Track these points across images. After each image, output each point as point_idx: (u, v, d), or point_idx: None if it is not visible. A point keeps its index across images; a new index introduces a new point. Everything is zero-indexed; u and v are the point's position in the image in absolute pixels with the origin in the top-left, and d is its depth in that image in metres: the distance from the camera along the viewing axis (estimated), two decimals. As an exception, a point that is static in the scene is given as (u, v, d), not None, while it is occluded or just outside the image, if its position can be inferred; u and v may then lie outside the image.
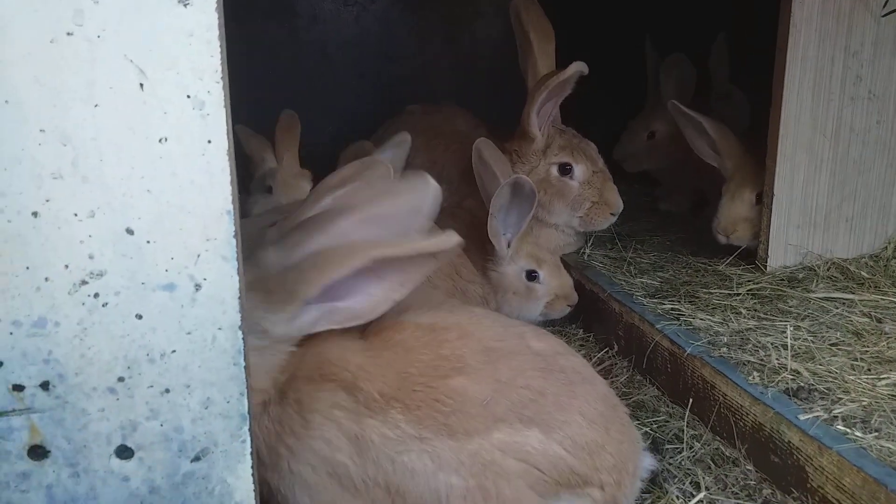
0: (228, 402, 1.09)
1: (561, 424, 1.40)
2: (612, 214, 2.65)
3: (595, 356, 2.30)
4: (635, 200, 3.47)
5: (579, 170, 2.61)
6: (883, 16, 2.30)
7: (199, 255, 1.02)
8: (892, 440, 1.47)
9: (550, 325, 2.60)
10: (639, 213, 3.30)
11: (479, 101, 3.66)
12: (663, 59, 3.13)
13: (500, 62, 4.01)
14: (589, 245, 2.79)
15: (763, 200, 2.43)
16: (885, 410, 1.56)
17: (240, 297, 1.05)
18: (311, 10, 3.71)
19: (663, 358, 2.01)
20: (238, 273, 1.04)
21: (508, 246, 2.34)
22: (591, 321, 2.47)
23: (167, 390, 1.07)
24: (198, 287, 1.03)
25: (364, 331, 1.49)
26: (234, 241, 1.02)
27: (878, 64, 2.34)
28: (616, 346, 2.28)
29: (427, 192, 1.47)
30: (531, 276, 2.38)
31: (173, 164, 0.98)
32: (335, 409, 1.39)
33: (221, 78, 0.96)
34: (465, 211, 2.54)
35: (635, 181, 3.67)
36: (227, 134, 0.99)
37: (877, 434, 1.49)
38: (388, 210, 1.46)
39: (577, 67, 2.39)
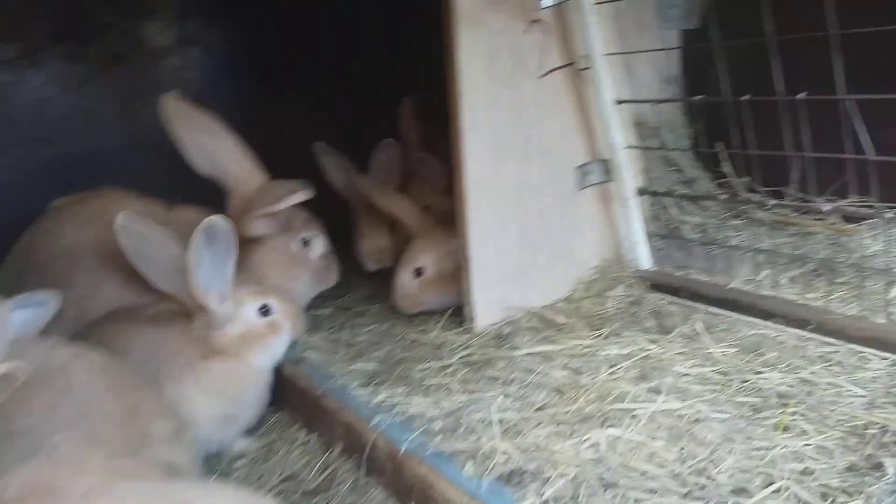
0: None
1: None
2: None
3: (318, 461, 2.10)
4: (356, 264, 3.38)
5: (320, 242, 2.75)
6: (540, 77, 2.45)
7: None
8: (600, 512, 1.47)
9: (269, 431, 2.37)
10: (359, 279, 3.20)
11: (163, 182, 3.30)
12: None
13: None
14: (305, 333, 2.62)
15: (422, 274, 2.63)
16: (590, 481, 1.56)
17: None
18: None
19: (383, 458, 1.87)
20: None
21: (224, 300, 2.13)
22: (311, 421, 2.27)
23: None
24: None
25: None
26: None
27: (543, 122, 2.49)
28: (339, 447, 2.10)
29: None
30: (264, 311, 2.23)
31: None
32: None
33: None
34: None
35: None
36: None
37: (585, 509, 1.49)
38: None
39: (301, 197, 2.41)
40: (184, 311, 2.15)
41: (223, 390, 2.14)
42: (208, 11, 3.76)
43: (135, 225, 2.10)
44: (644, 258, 2.61)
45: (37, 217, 2.70)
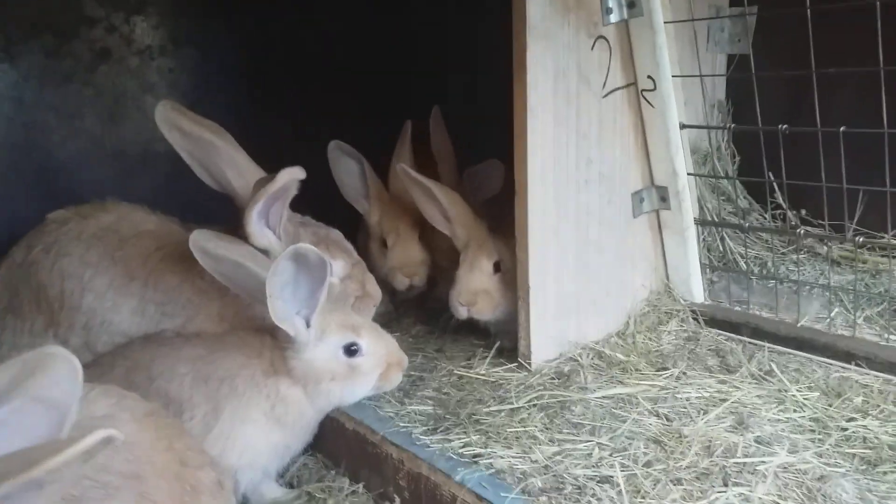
0: None
1: None
2: (374, 306, 2.41)
3: (374, 516, 1.87)
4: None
5: (338, 265, 2.32)
6: (604, 96, 2.30)
7: None
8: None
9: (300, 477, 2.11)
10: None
11: (157, 194, 2.95)
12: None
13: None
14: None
15: (500, 269, 2.36)
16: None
17: None
18: None
19: (474, 519, 1.65)
20: None
21: (308, 326, 1.90)
22: (358, 468, 2.02)
23: None
24: None
25: None
26: None
27: (603, 144, 2.33)
28: (398, 500, 1.87)
29: (63, 373, 1.12)
30: (351, 350, 1.95)
31: None
32: None
33: None
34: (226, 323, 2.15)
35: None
36: None
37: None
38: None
39: (288, 176, 2.03)
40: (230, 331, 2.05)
41: (282, 416, 1.93)
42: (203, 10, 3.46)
43: (210, 243, 1.88)
44: (698, 291, 2.48)
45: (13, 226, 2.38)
